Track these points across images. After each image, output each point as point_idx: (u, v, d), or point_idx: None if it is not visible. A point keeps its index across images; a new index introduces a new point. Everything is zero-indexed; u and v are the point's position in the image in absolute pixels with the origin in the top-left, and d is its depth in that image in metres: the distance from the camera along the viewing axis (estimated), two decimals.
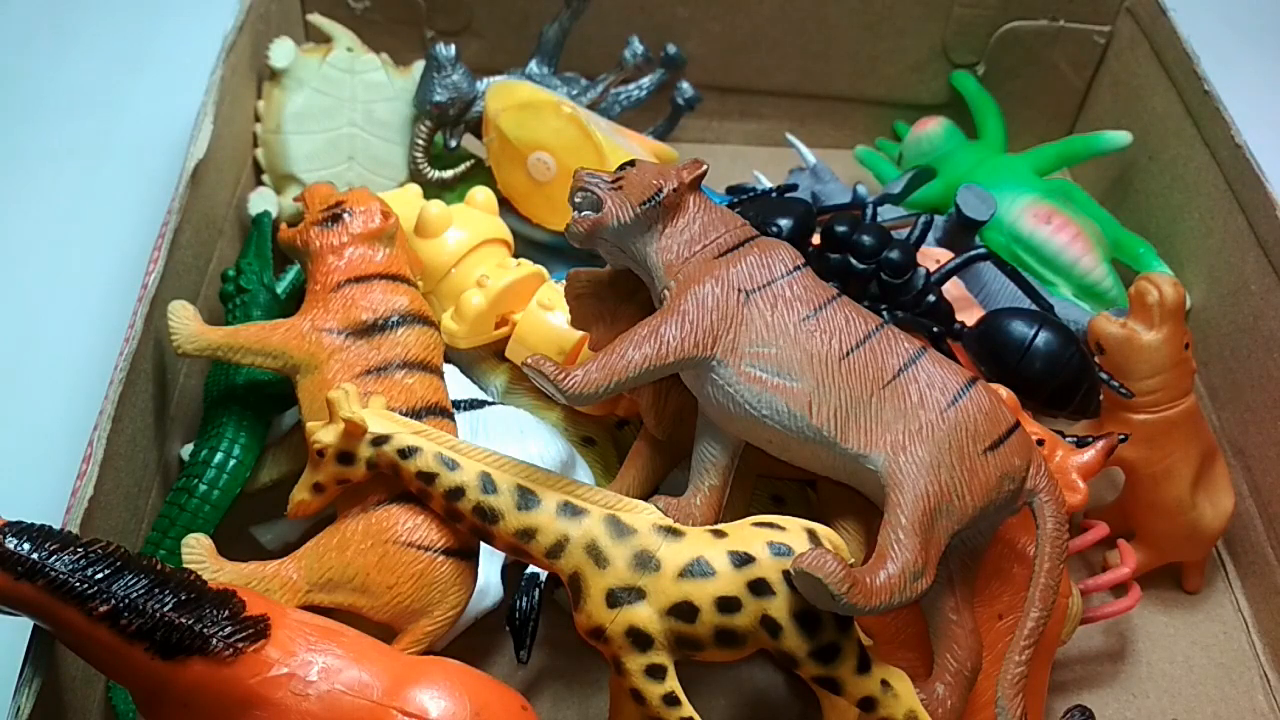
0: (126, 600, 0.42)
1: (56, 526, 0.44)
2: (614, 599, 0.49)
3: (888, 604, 0.46)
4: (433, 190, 0.77)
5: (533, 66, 0.79)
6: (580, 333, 0.62)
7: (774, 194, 0.75)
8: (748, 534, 0.50)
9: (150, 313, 0.58)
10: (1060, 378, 0.62)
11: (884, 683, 0.49)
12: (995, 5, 0.87)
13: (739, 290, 0.52)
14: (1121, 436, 0.62)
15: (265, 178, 0.77)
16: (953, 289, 0.69)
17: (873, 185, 0.86)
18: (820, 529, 0.50)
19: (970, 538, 0.52)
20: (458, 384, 0.65)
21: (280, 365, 0.58)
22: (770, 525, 0.50)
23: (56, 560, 0.42)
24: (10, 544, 0.42)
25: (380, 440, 0.52)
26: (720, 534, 0.50)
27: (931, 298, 0.65)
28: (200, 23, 0.80)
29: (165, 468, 0.62)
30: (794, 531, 0.50)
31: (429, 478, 0.52)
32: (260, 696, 0.43)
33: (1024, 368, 0.62)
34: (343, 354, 0.57)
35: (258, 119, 0.77)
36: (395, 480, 0.53)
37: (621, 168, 0.55)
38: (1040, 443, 0.59)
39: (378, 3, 0.85)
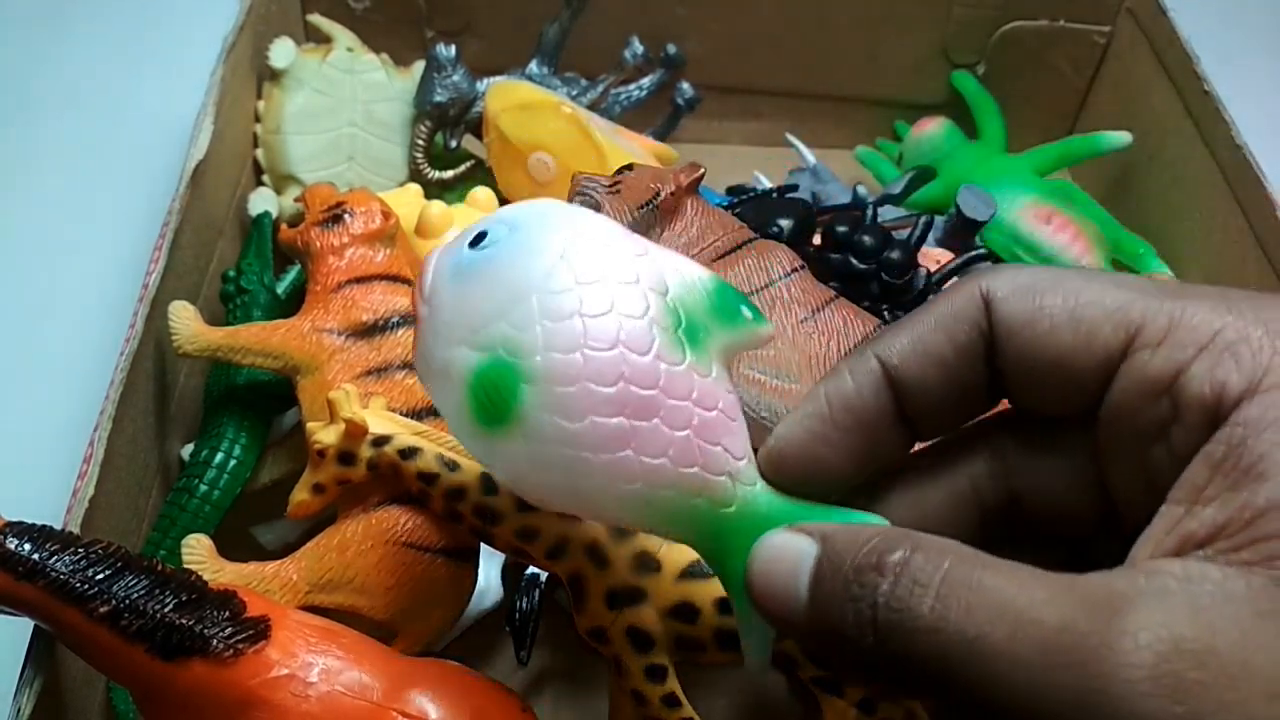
0: (127, 601, 0.42)
1: (57, 527, 0.44)
2: (614, 600, 0.49)
3: None
4: (433, 190, 0.77)
5: (533, 66, 0.79)
6: None
7: (774, 194, 0.75)
8: None
9: (150, 313, 0.58)
10: None
11: None
12: (995, 5, 0.87)
13: None
14: None
15: (265, 178, 0.77)
16: None
17: (873, 185, 0.86)
18: None
19: None
20: None
21: (280, 366, 0.58)
22: None
23: (57, 561, 0.42)
24: (11, 544, 0.42)
25: (381, 441, 0.52)
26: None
27: (932, 298, 0.65)
28: (200, 23, 0.80)
29: (166, 468, 0.62)
30: None
31: (429, 478, 0.52)
32: (260, 698, 0.43)
33: None
34: (343, 355, 0.57)
35: (258, 119, 0.77)
36: (395, 481, 0.53)
37: (619, 171, 0.55)
38: None
39: (378, 3, 0.85)
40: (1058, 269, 0.35)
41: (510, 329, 0.37)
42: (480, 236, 0.39)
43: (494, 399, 0.36)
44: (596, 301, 0.37)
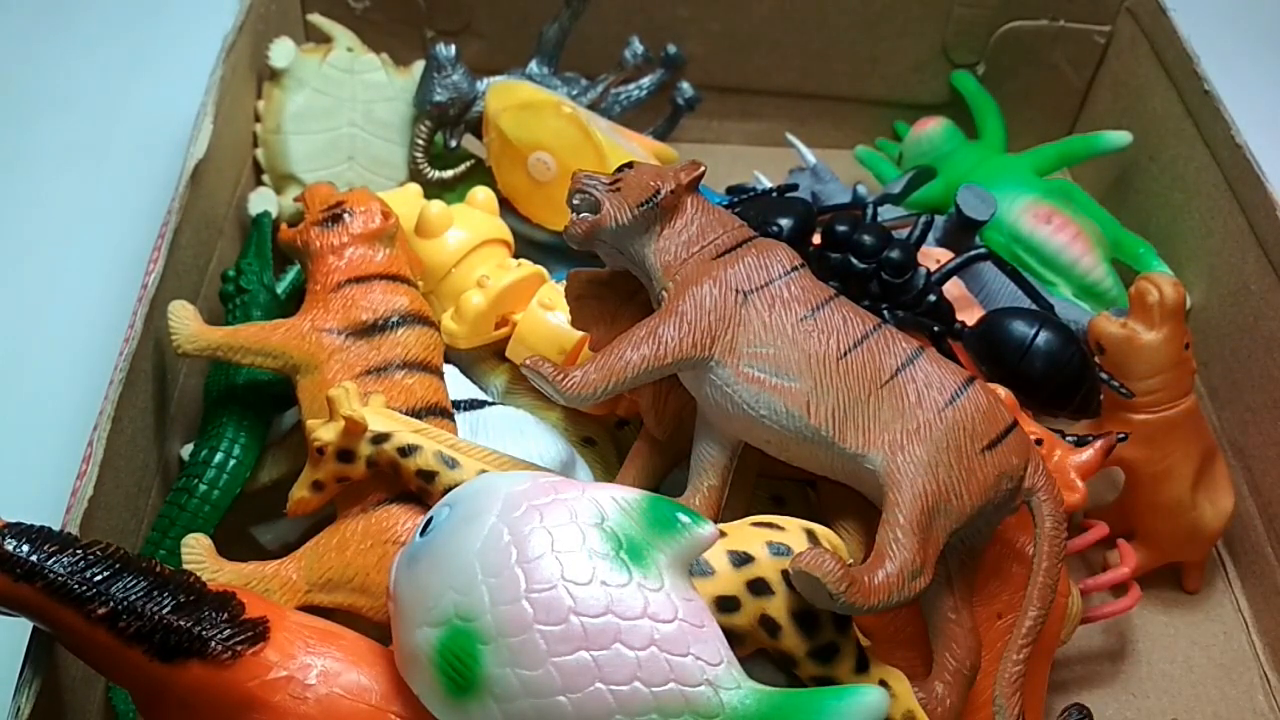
0: (125, 602, 0.42)
1: (56, 527, 0.44)
2: None
3: (886, 603, 0.46)
4: (433, 190, 0.77)
5: (533, 66, 0.79)
6: (581, 333, 0.62)
7: (774, 194, 0.75)
8: (747, 534, 0.50)
9: (150, 313, 0.58)
10: (1061, 377, 0.62)
11: (882, 683, 0.49)
12: (995, 5, 0.87)
13: (737, 291, 0.52)
14: (1120, 436, 0.62)
15: (265, 178, 0.77)
16: (953, 289, 0.69)
17: (873, 185, 0.86)
18: (819, 529, 0.50)
19: (968, 537, 0.52)
20: (458, 384, 0.65)
21: (280, 365, 0.58)
22: (769, 525, 0.50)
23: (55, 562, 0.42)
24: (10, 545, 0.42)
25: (380, 438, 0.52)
26: (719, 533, 0.50)
27: (932, 297, 0.65)
28: (200, 23, 0.80)
29: (165, 468, 0.62)
30: (793, 531, 0.50)
31: (429, 476, 0.52)
32: (259, 699, 0.43)
33: (1025, 367, 0.62)
34: (342, 354, 0.57)
35: (258, 119, 0.77)
36: (395, 479, 0.53)
37: (619, 170, 0.55)
38: (1039, 442, 0.59)
39: (378, 3, 0.85)
40: None
41: (458, 595, 0.39)
42: (429, 523, 0.42)
43: (458, 667, 0.38)
44: (533, 548, 0.39)
